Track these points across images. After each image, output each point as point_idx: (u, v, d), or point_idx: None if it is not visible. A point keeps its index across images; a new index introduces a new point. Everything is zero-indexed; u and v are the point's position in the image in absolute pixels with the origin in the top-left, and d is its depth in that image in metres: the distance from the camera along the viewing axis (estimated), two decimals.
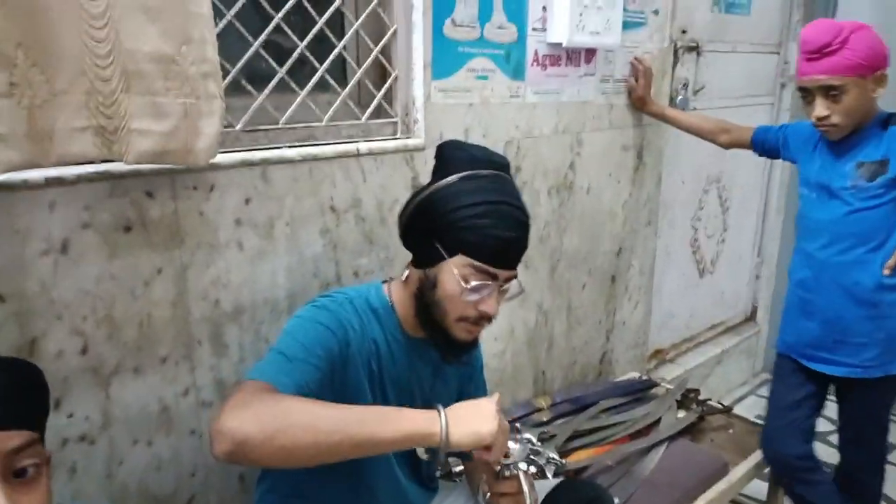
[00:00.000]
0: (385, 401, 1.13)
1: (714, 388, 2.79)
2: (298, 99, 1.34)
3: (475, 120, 1.61)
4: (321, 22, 1.35)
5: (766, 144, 1.83)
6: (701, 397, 2.08)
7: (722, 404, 2.07)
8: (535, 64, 1.73)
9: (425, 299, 1.08)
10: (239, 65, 1.25)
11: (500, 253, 1.04)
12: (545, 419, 1.88)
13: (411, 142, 1.50)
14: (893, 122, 1.51)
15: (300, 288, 1.35)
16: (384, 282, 1.19)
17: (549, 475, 1.56)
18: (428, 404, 0.97)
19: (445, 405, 0.95)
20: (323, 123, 1.38)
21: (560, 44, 1.73)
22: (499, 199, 1.04)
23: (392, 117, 1.51)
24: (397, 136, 1.51)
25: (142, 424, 1.18)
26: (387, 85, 1.48)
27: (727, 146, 1.96)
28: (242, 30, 1.24)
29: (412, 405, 1.10)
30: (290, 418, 0.85)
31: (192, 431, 1.25)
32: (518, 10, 1.65)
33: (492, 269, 1.04)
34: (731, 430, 1.99)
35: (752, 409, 2.80)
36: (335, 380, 1.03)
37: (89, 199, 1.06)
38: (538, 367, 1.98)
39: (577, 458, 1.69)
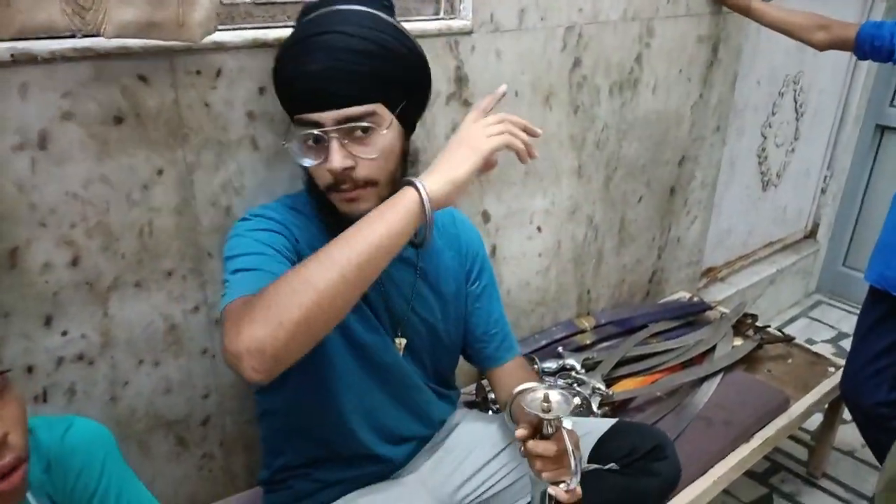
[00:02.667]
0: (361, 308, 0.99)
1: (765, 309, 2.61)
2: None
3: (532, 0, 1.36)
4: None
5: (875, 42, 1.53)
6: (759, 323, 1.91)
7: (782, 332, 1.90)
8: None
9: (305, 180, 0.96)
10: None
11: (311, 92, 0.85)
12: (588, 342, 1.74)
13: (456, 24, 1.26)
14: None
15: None
16: None
17: (595, 407, 1.44)
18: (403, 317, 0.95)
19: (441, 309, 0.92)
20: None
21: None
22: (312, 33, 0.86)
23: None
24: (440, 16, 1.27)
25: (147, 344, 1.05)
26: None
27: (823, 46, 1.66)
28: None
29: (393, 312, 1.03)
30: (280, 294, 0.72)
31: (203, 351, 1.12)
32: None
33: (310, 116, 0.86)
34: (790, 361, 1.83)
35: (805, 331, 2.64)
36: None
37: (69, 84, 0.88)
38: (584, 285, 1.82)
39: (624, 388, 1.56)
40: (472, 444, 1.15)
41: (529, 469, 0.93)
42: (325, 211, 0.95)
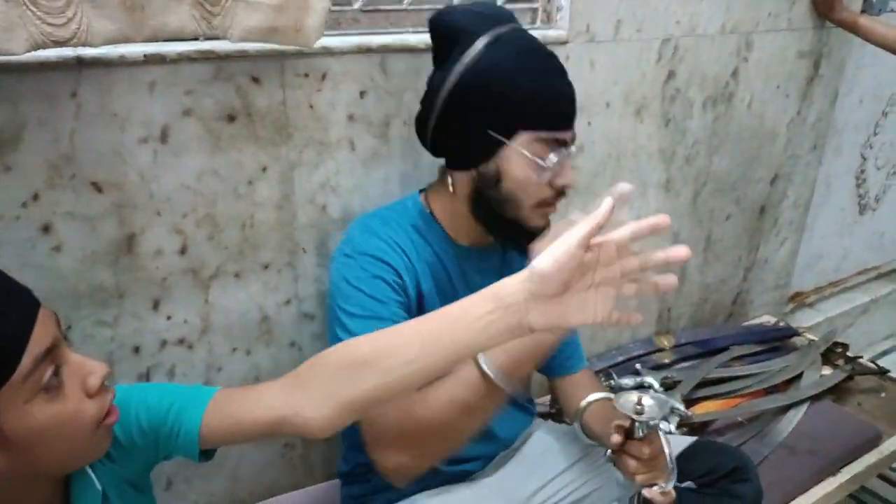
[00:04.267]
0: None
1: (856, 339, 2.47)
2: None
3: (629, 11, 1.35)
4: None
5: None
6: (849, 353, 1.81)
7: (876, 364, 1.80)
8: None
9: (489, 200, 0.93)
10: None
11: (563, 111, 0.90)
12: (667, 361, 1.69)
13: (552, 33, 1.27)
14: None
15: None
16: (421, 191, 1.03)
17: (672, 427, 1.40)
18: None
19: None
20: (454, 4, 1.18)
21: None
22: (535, 51, 0.90)
23: (532, 2, 1.27)
24: (537, 24, 1.29)
25: (241, 332, 1.10)
26: None
27: None
28: None
29: None
30: (436, 440, 0.85)
31: (291, 343, 1.16)
32: None
33: (560, 134, 0.89)
34: (883, 395, 1.73)
35: None
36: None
37: (191, 82, 0.94)
38: (665, 302, 1.78)
39: (703, 410, 1.51)
40: (546, 453, 1.14)
41: (618, 474, 0.93)
42: (499, 228, 0.96)
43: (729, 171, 1.73)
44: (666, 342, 1.75)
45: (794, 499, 1.37)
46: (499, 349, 0.82)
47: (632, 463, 0.90)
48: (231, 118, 0.98)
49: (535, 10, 1.28)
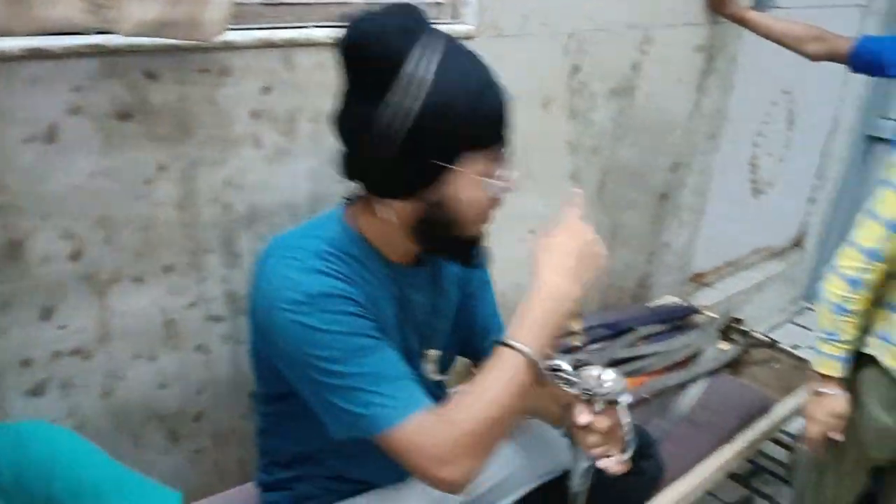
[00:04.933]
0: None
1: (752, 315, 2.64)
2: None
3: (536, 5, 1.37)
4: None
5: (870, 56, 1.56)
6: (745, 328, 1.94)
7: (768, 337, 1.94)
8: None
9: (433, 226, 0.88)
10: None
11: (502, 124, 0.86)
12: (578, 344, 1.76)
13: (460, 28, 1.28)
14: None
15: (324, 193, 1.19)
16: (346, 200, 0.95)
17: (630, 398, 1.47)
18: (428, 331, 0.97)
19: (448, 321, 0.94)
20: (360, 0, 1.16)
21: None
22: (475, 68, 0.83)
23: None
24: (444, 20, 1.29)
25: (144, 338, 1.06)
26: None
27: (817, 58, 1.68)
28: None
29: (411, 339, 1.00)
30: (487, 434, 0.82)
31: (198, 347, 1.13)
32: None
33: (501, 148, 0.88)
34: (775, 365, 1.86)
35: (790, 337, 2.66)
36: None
37: (79, 79, 0.89)
38: None
39: None
40: None
41: (574, 445, 0.98)
42: (442, 248, 0.94)
43: (632, 160, 1.80)
44: (576, 325, 1.82)
45: (693, 469, 1.46)
46: (527, 331, 0.83)
47: (591, 438, 0.95)
48: (125, 115, 0.94)
49: (441, 5, 1.28)
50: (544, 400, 1.06)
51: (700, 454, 1.48)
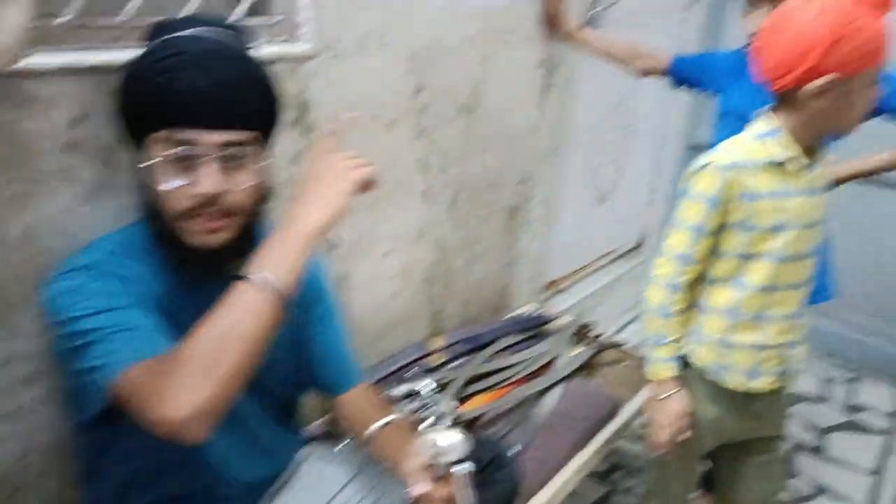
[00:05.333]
0: None
1: (604, 316, 2.81)
2: None
3: (375, 25, 1.36)
4: None
5: (685, 73, 1.71)
6: (594, 331, 2.05)
7: (614, 339, 2.06)
8: None
9: (147, 209, 0.90)
10: None
11: (194, 107, 0.83)
12: (439, 362, 1.77)
13: (296, 48, 1.24)
14: None
15: None
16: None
17: (445, 428, 1.47)
18: None
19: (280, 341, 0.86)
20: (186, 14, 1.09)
21: None
22: (192, 50, 0.84)
23: (272, 16, 1.23)
24: (280, 39, 1.24)
25: None
26: None
27: (642, 74, 1.82)
28: None
29: None
30: (207, 354, 0.75)
31: (10, 414, 0.99)
32: None
33: (187, 134, 0.83)
34: (623, 365, 1.98)
35: (637, 335, 2.86)
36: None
37: None
38: (435, 305, 1.85)
39: (474, 405, 1.60)
40: (317, 480, 1.13)
41: None
42: (170, 244, 0.89)
43: (481, 175, 1.84)
44: (438, 343, 1.83)
45: (556, 473, 1.52)
46: (264, 261, 0.80)
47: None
48: None
49: (276, 24, 1.23)
50: (399, 456, 1.02)
51: (560, 458, 1.54)
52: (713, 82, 1.64)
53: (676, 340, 1.31)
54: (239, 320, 0.76)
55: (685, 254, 1.24)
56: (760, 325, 1.25)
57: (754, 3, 1.43)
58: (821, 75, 1.06)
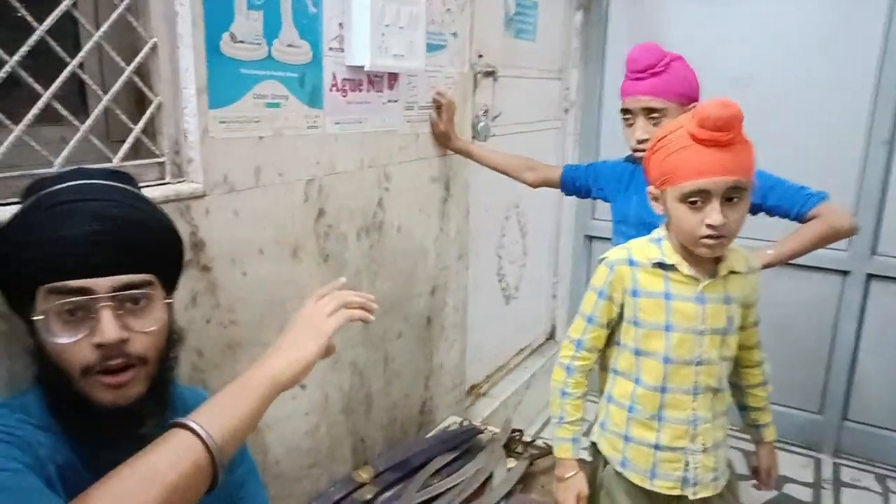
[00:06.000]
0: None
1: (526, 413, 2.76)
2: (13, 135, 0.95)
3: (267, 156, 1.32)
4: (41, 30, 0.97)
5: (576, 183, 1.78)
6: (526, 438, 1.98)
7: (547, 444, 1.99)
8: (333, 89, 1.48)
9: (44, 371, 0.81)
10: None
11: (77, 256, 0.77)
12: (370, 496, 1.63)
13: (185, 187, 1.17)
14: None
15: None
16: None
17: None
18: None
19: None
20: (55, 169, 1.00)
21: (362, 67, 1.51)
22: (70, 199, 0.80)
23: (157, 156, 1.16)
24: (166, 180, 1.17)
25: None
26: (147, 115, 1.13)
27: (535, 185, 1.88)
28: None
29: None
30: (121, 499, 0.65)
31: None
32: (311, 25, 1.39)
33: (75, 283, 0.77)
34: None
35: None
36: None
37: None
38: (357, 433, 1.73)
39: None
40: None
41: None
42: (71, 409, 0.79)
43: (392, 291, 1.79)
44: (365, 474, 1.69)
45: None
46: (213, 415, 0.74)
47: None
48: None
49: (161, 164, 1.16)
50: None
51: None
52: (602, 191, 1.72)
53: (574, 422, 1.34)
54: (165, 465, 0.67)
55: (579, 339, 1.32)
56: (655, 426, 1.26)
57: (629, 119, 1.52)
58: (653, 185, 1.19)
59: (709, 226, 1.10)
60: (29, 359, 0.82)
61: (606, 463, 1.35)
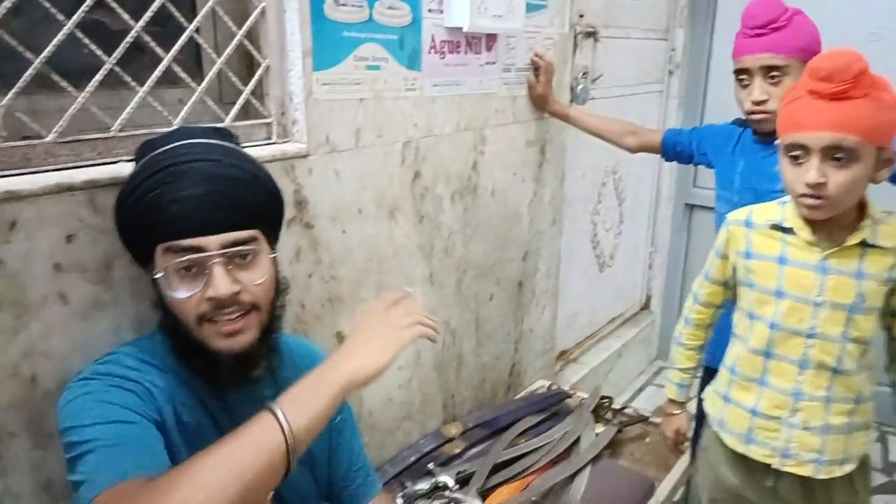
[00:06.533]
0: None
1: (617, 382, 2.73)
2: (138, 97, 1.02)
3: (367, 118, 1.36)
4: None
5: (677, 148, 1.70)
6: (615, 405, 1.97)
7: (637, 413, 1.97)
8: (432, 51, 1.50)
9: (167, 319, 0.89)
10: (45, 52, 0.91)
11: (189, 217, 0.82)
12: (458, 450, 1.68)
13: (290, 147, 1.22)
14: None
15: None
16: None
17: None
18: None
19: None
20: (173, 127, 1.07)
21: (460, 28, 1.50)
22: (180, 161, 0.84)
23: (265, 117, 1.22)
24: (273, 140, 1.23)
25: None
26: (256, 77, 1.19)
27: (634, 150, 1.82)
28: (48, 3, 0.91)
29: None
30: (201, 490, 0.68)
31: None
32: None
33: (188, 242, 0.82)
34: (647, 440, 1.89)
35: (653, 400, 2.77)
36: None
37: None
38: (447, 391, 1.78)
39: (501, 498, 1.51)
40: None
41: None
42: (191, 353, 0.87)
43: (485, 255, 1.81)
44: (454, 430, 1.74)
45: None
46: (295, 408, 0.76)
47: None
48: None
49: (269, 125, 1.22)
50: None
51: None
52: (705, 156, 1.63)
53: (684, 370, 1.39)
54: (247, 460, 0.71)
55: (696, 293, 1.34)
56: (756, 390, 1.21)
57: (745, 80, 1.42)
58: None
59: (807, 184, 1.03)
60: (153, 306, 0.90)
61: (707, 424, 1.33)
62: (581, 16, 2.11)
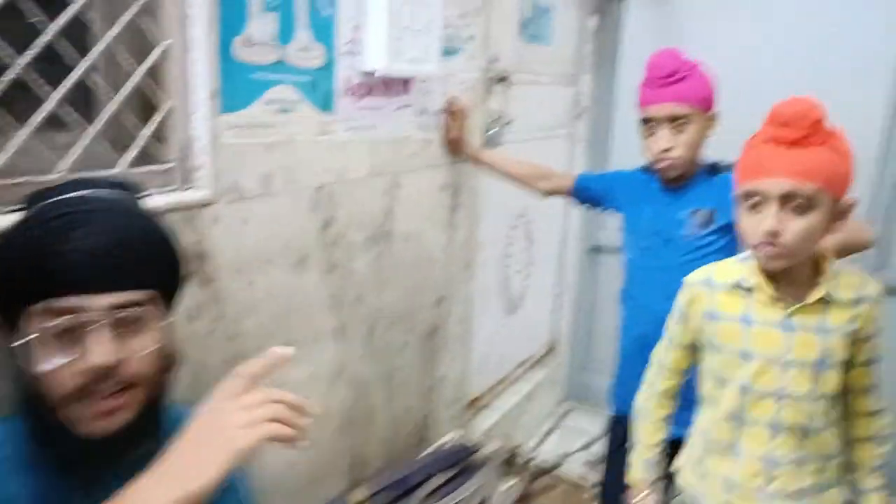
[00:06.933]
0: None
1: (527, 425, 2.72)
2: (19, 140, 0.90)
3: (278, 163, 1.28)
4: (52, 31, 0.92)
5: (588, 192, 1.73)
6: (523, 456, 1.95)
7: (547, 462, 1.96)
8: (347, 94, 1.44)
9: (23, 400, 0.76)
10: None
11: (76, 271, 0.72)
12: None
13: (193, 195, 1.12)
14: (719, 171, 1.49)
15: None
16: None
17: None
18: None
19: None
20: (59, 174, 0.95)
21: (375, 71, 1.46)
22: (75, 210, 0.75)
23: (165, 163, 1.11)
24: (173, 187, 1.12)
25: None
26: (156, 120, 1.08)
27: (547, 194, 1.83)
28: None
29: None
30: None
31: None
32: (325, 28, 1.35)
33: (71, 301, 0.71)
34: (558, 490, 1.88)
35: (562, 444, 2.77)
36: None
37: None
38: (355, 450, 1.68)
39: None
40: None
41: None
42: (54, 441, 0.74)
43: (398, 302, 1.75)
44: (360, 495, 1.64)
45: None
46: None
47: None
48: None
49: (169, 171, 1.11)
50: None
51: None
52: (616, 201, 1.67)
53: (654, 445, 1.29)
54: None
55: (661, 361, 1.27)
56: (731, 458, 1.17)
57: (651, 128, 1.46)
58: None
59: (764, 232, 1.01)
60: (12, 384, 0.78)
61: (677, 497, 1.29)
62: (495, 61, 2.12)
